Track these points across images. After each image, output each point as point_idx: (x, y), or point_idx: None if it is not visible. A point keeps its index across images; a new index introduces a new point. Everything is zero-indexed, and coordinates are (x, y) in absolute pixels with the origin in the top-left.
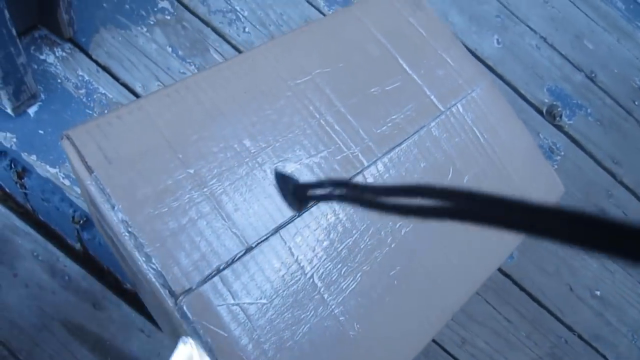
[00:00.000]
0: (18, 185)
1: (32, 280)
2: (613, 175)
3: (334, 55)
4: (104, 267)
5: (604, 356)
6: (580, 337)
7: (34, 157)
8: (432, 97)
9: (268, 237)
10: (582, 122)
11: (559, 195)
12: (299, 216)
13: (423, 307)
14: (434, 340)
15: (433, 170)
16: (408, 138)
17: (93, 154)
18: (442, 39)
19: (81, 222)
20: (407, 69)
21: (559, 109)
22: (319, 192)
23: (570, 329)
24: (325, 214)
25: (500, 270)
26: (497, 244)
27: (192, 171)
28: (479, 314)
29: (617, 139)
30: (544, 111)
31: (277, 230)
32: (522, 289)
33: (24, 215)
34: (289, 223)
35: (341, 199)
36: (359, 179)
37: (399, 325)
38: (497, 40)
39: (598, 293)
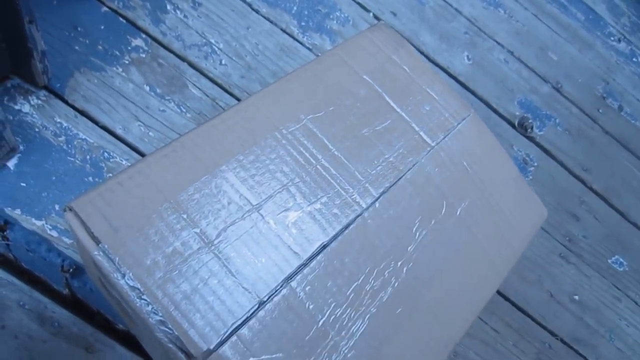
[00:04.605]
0: (0, 238)
1: (20, 330)
2: (583, 182)
3: (324, 100)
4: (94, 309)
5: (584, 357)
6: (562, 341)
7: (18, 211)
8: (421, 132)
9: (279, 289)
10: (552, 132)
11: (542, 220)
12: (306, 266)
13: (428, 341)
14: None
15: (427, 205)
16: (402, 176)
17: (98, 224)
18: (425, 75)
19: (71, 270)
20: (395, 107)
21: (530, 121)
22: None
23: (552, 334)
24: (332, 261)
25: None
26: (490, 273)
27: (198, 230)
28: None
29: (586, 147)
30: (516, 124)
31: (286, 281)
32: (507, 299)
33: (5, 264)
34: (297, 273)
35: None
36: (359, 222)
37: None
38: (467, 56)
39: (577, 298)
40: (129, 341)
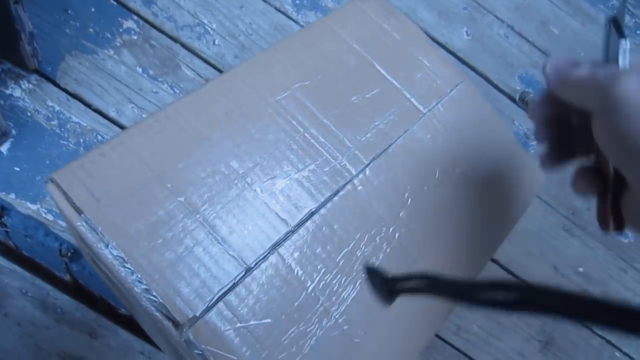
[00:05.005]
0: None
1: (24, 318)
2: None
3: (312, 69)
4: (96, 294)
5: (590, 329)
6: None
7: (12, 195)
8: (413, 100)
9: (266, 255)
10: None
11: (539, 186)
12: (294, 232)
13: (423, 306)
14: None
15: (420, 172)
16: (393, 143)
17: (80, 195)
18: (417, 43)
19: (69, 254)
20: (386, 74)
21: (531, 95)
22: (408, 284)
23: None
24: (321, 227)
25: None
26: (486, 240)
27: (182, 199)
28: None
29: None
30: (517, 98)
31: (274, 247)
32: (510, 272)
33: (7, 252)
34: (285, 240)
35: (430, 291)
36: (349, 188)
37: (401, 326)
38: (467, 32)
39: (581, 270)
40: (132, 325)
